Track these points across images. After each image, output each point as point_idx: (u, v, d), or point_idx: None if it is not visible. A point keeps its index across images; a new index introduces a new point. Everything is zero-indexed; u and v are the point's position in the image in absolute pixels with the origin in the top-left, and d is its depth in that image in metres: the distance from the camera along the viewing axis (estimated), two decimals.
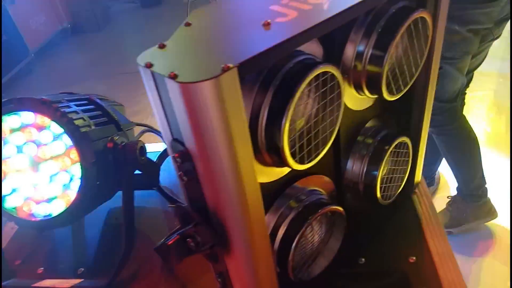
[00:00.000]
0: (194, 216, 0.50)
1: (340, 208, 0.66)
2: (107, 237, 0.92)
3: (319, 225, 0.68)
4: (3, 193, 0.77)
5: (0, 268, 0.81)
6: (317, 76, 0.48)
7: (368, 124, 0.75)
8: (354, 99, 0.65)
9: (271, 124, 0.46)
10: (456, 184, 1.74)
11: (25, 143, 0.73)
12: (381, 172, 0.72)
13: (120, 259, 0.78)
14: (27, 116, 0.71)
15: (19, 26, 3.45)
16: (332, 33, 0.54)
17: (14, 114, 0.72)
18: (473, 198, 1.70)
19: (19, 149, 0.75)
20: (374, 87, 0.59)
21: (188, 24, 0.50)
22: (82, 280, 0.83)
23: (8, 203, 0.77)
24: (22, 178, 0.76)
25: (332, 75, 0.50)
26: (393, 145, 0.73)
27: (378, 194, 0.73)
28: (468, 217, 1.71)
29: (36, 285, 0.84)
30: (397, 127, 0.79)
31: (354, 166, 0.73)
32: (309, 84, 0.47)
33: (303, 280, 0.66)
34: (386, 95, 0.60)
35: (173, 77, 0.37)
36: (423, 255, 0.76)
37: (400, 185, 0.80)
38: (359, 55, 0.58)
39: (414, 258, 0.76)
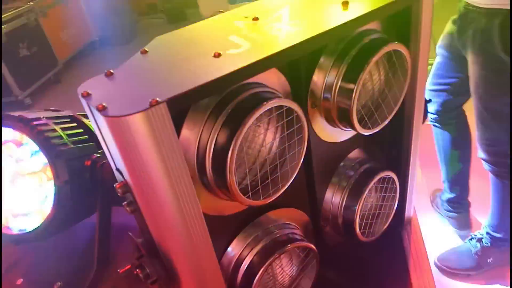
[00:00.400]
0: (140, 248, 0.49)
1: (311, 245, 0.62)
2: (86, 252, 0.91)
3: (289, 261, 0.65)
4: None
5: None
6: (271, 110, 0.46)
7: (351, 155, 0.72)
8: (328, 131, 0.62)
9: (217, 158, 0.44)
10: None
11: (5, 157, 0.74)
12: (361, 207, 0.68)
13: (92, 276, 0.77)
14: (7, 132, 0.73)
15: (50, 37, 3.61)
16: (297, 65, 0.53)
17: None
18: (502, 241, 1.41)
19: None
20: (346, 121, 0.57)
21: (144, 52, 0.49)
22: None
23: None
24: (1, 192, 0.77)
25: (289, 109, 0.47)
26: (376, 179, 0.69)
27: (358, 230, 0.69)
28: (492, 261, 1.43)
29: None
30: (382, 161, 0.76)
31: (333, 199, 0.70)
32: (260, 118, 0.45)
33: None
34: (360, 129, 0.57)
35: (101, 109, 0.36)
36: None
37: (385, 222, 0.76)
38: (328, 87, 0.55)
39: None
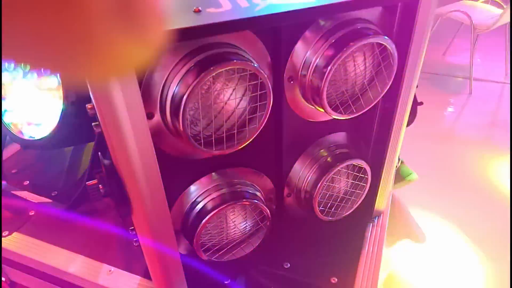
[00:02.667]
0: (102, 167, 0.56)
1: (265, 208, 0.67)
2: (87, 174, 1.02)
3: (243, 218, 0.70)
4: (6, 107, 0.89)
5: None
6: (239, 72, 0.50)
7: (332, 138, 0.75)
8: (305, 108, 0.65)
9: (175, 101, 0.49)
10: None
11: (28, 72, 0.84)
12: (324, 185, 0.71)
13: (78, 193, 0.87)
14: None
15: None
16: (279, 35, 0.56)
17: None
18: None
19: (25, 75, 0.85)
20: (318, 100, 0.60)
21: None
22: (51, 201, 0.94)
23: (7, 118, 0.89)
24: (22, 100, 0.87)
25: (254, 74, 0.51)
26: (346, 164, 0.72)
27: (316, 207, 0.73)
28: None
29: (16, 192, 0.97)
30: (361, 152, 0.78)
31: (301, 172, 0.74)
32: (229, 77, 0.49)
33: (214, 261, 0.70)
34: (330, 112, 0.60)
35: None
36: (347, 281, 0.75)
37: (350, 208, 0.79)
38: (306, 63, 0.58)
39: (336, 280, 0.75)
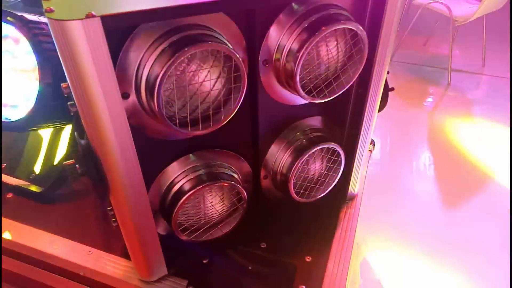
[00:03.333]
0: (78, 146, 0.57)
1: (242, 190, 0.69)
2: (65, 156, 1.01)
3: (220, 198, 0.72)
4: None
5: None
6: (213, 53, 0.51)
7: (307, 121, 0.77)
8: (280, 92, 0.67)
9: (149, 81, 0.50)
10: None
11: (4, 52, 0.83)
12: (299, 167, 0.73)
13: (57, 175, 0.87)
14: (9, 29, 0.80)
15: None
16: (253, 18, 0.57)
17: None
18: None
19: None
20: (292, 84, 0.61)
21: None
22: (28, 183, 0.93)
23: None
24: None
25: (229, 56, 0.52)
26: (320, 147, 0.74)
27: (292, 188, 0.76)
28: None
29: None
30: (335, 136, 0.80)
31: (277, 155, 0.76)
32: (204, 58, 0.50)
33: (192, 241, 0.71)
34: (302, 94, 0.62)
35: (48, 11, 0.42)
36: (320, 259, 0.78)
37: (324, 190, 0.82)
38: (280, 47, 0.59)
39: (310, 258, 0.78)
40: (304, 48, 0.57)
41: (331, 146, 0.75)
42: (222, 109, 0.57)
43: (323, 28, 0.56)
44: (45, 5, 0.44)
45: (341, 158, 0.79)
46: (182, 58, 0.48)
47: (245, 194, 0.70)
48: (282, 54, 0.59)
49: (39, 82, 0.79)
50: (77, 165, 0.59)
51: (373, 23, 0.63)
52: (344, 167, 0.81)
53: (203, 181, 0.65)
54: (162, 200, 0.67)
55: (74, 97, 0.49)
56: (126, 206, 0.61)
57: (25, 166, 0.99)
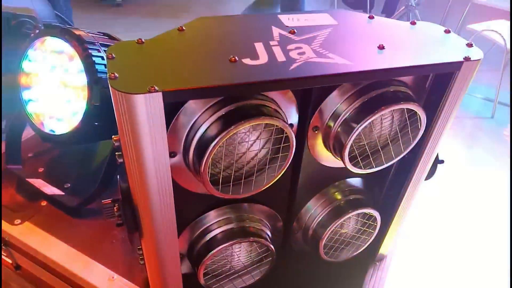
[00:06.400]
0: (120, 192, 0.57)
1: (271, 246, 0.68)
2: (97, 169, 1.03)
3: (248, 251, 0.71)
4: (31, 97, 0.90)
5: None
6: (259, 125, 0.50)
7: (348, 180, 0.74)
8: (325, 155, 0.65)
9: (200, 147, 0.49)
10: None
11: (55, 66, 0.84)
12: (332, 230, 0.71)
13: (91, 192, 0.88)
14: (65, 45, 0.82)
15: None
16: (311, 90, 0.55)
17: (58, 38, 0.82)
18: None
19: (52, 68, 0.86)
20: (339, 152, 0.59)
21: (181, 30, 0.54)
22: (63, 194, 0.95)
23: (30, 108, 0.90)
24: (46, 93, 0.88)
25: (280, 129, 0.51)
26: (357, 212, 0.72)
27: (322, 249, 0.74)
28: None
29: (30, 180, 0.98)
30: (374, 197, 0.77)
31: (312, 211, 0.74)
32: (255, 126, 0.49)
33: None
34: (349, 166, 0.60)
35: (111, 78, 0.42)
36: None
37: (354, 252, 0.79)
38: (334, 116, 0.57)
39: None
40: (361, 123, 0.54)
41: (369, 211, 0.73)
42: (265, 174, 0.56)
43: (383, 107, 0.54)
44: (109, 69, 0.44)
45: (377, 223, 0.76)
46: (236, 131, 0.47)
47: (274, 251, 0.69)
48: (335, 123, 0.57)
49: (87, 101, 0.80)
50: (114, 206, 0.59)
51: (433, 100, 0.60)
52: (378, 231, 0.78)
53: (235, 235, 0.64)
54: (191, 246, 0.66)
55: (123, 151, 0.49)
56: (156, 251, 0.60)
57: (61, 173, 1.01)
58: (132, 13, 3.78)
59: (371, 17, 0.63)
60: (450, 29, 0.60)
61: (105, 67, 0.82)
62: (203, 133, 0.48)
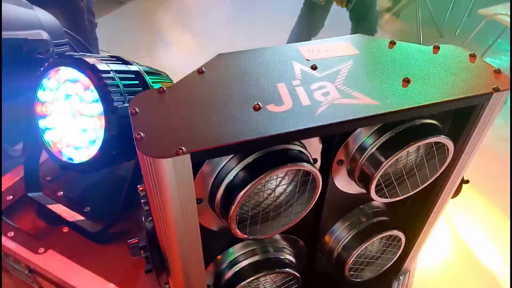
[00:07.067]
0: (145, 236, 0.57)
1: (297, 275, 0.68)
2: (118, 193, 1.03)
3: (273, 280, 0.71)
4: (47, 125, 0.90)
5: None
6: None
7: (371, 204, 0.74)
8: (349, 184, 0.64)
9: (226, 194, 0.49)
10: None
11: (70, 95, 0.84)
12: (358, 253, 0.71)
13: (114, 215, 0.89)
14: (80, 75, 0.81)
15: None
16: None
17: (72, 68, 0.82)
18: None
19: (67, 97, 0.86)
20: (365, 185, 0.58)
21: (201, 72, 0.53)
22: (84, 219, 0.96)
23: (47, 137, 0.90)
24: (62, 121, 0.88)
25: (307, 172, 0.50)
26: (382, 235, 0.71)
27: (347, 272, 0.73)
28: None
29: (50, 206, 0.99)
30: (399, 217, 0.77)
31: (337, 235, 0.73)
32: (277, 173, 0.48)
33: None
34: (375, 197, 0.59)
35: (138, 139, 0.42)
36: None
37: (377, 271, 0.79)
38: (360, 149, 0.56)
39: None
40: (388, 159, 0.53)
41: (393, 233, 0.72)
42: (291, 215, 0.55)
43: (411, 143, 0.52)
44: (134, 128, 0.43)
45: (401, 243, 0.75)
46: (263, 180, 0.46)
47: (299, 278, 0.69)
48: (361, 156, 0.56)
49: (104, 130, 0.80)
50: (142, 250, 0.59)
51: (459, 131, 0.59)
52: (402, 250, 0.77)
53: (261, 268, 0.64)
54: (217, 278, 0.66)
55: (149, 203, 0.49)
56: (183, 286, 0.61)
57: (80, 196, 1.01)
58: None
59: (392, 43, 0.61)
60: (475, 54, 0.58)
61: (121, 95, 0.81)
62: (231, 180, 0.48)
